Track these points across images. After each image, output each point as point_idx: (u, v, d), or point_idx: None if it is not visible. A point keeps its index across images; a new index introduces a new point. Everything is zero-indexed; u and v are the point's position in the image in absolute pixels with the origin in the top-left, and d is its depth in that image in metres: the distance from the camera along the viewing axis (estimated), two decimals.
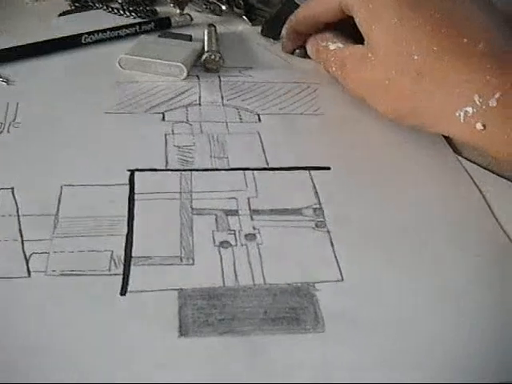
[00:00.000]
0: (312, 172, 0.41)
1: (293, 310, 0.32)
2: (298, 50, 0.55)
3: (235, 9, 0.63)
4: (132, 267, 0.33)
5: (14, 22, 0.62)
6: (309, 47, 0.53)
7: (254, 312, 0.32)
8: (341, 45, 0.48)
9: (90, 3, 0.64)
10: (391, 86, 0.42)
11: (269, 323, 0.31)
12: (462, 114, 0.38)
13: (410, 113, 0.42)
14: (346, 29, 0.49)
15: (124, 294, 0.32)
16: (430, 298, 0.33)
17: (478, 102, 0.37)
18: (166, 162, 0.41)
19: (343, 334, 0.31)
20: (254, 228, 0.36)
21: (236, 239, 0.36)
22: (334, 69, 0.48)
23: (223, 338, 0.30)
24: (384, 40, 0.41)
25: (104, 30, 0.56)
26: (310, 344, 0.30)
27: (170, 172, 0.40)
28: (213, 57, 0.52)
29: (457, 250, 0.36)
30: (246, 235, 0.36)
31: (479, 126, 0.37)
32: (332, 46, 0.48)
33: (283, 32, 0.55)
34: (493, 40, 0.39)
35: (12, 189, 0.38)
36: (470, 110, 0.38)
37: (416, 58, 0.40)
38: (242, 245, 0.35)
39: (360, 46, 0.45)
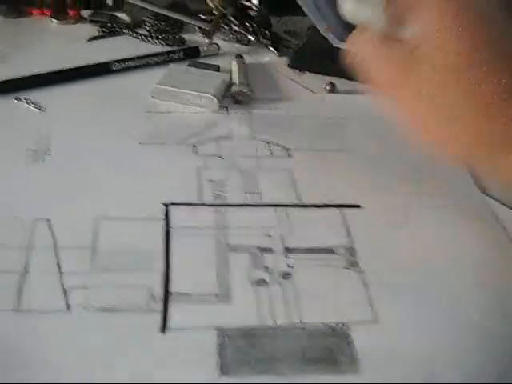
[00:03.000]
0: (343, 210, 0.41)
1: (329, 350, 0.32)
2: (327, 86, 0.55)
3: (262, 39, 0.63)
4: (170, 304, 0.33)
5: (43, 44, 0.62)
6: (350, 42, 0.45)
7: (291, 352, 0.32)
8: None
9: (118, 29, 0.64)
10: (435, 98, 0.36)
11: (306, 363, 0.31)
12: None
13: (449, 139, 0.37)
14: None
15: (163, 332, 0.32)
16: (464, 341, 0.33)
17: None
18: (200, 196, 0.41)
19: (378, 375, 0.31)
20: (288, 266, 0.37)
21: (271, 277, 0.36)
22: (377, 72, 0.41)
23: (262, 378, 0.30)
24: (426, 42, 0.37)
25: (133, 58, 0.57)
26: None
27: (204, 207, 0.40)
28: (243, 89, 0.52)
29: (484, 290, 0.36)
30: (281, 274, 0.36)
31: None
32: (369, 42, 0.42)
33: None
34: None
35: (49, 220, 0.38)
36: None
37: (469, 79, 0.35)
38: (278, 283, 0.35)
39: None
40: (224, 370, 0.30)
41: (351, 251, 0.38)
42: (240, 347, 0.32)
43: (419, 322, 0.34)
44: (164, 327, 0.32)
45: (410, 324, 0.34)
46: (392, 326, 0.34)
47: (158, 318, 0.33)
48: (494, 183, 0.44)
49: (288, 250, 0.38)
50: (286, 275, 0.36)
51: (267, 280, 0.36)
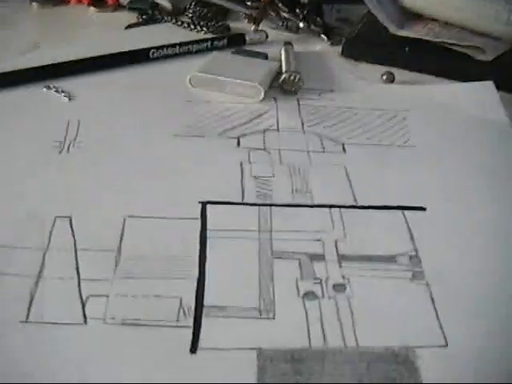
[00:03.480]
0: (406, 212, 0.36)
1: (391, 379, 0.27)
2: (384, 77, 0.49)
3: (313, 27, 0.59)
4: (203, 319, 0.28)
5: (79, 33, 0.59)
6: None
7: (345, 381, 0.27)
8: None
9: (159, 16, 0.60)
10: None
11: None
12: None
13: None
14: None
15: (194, 352, 0.27)
16: None
17: None
18: (242, 195, 0.37)
19: None
20: (342, 277, 0.32)
21: (323, 290, 0.31)
22: None
23: None
24: None
25: (173, 45, 0.52)
26: None
27: (246, 206, 0.36)
28: (292, 78, 0.47)
29: None
30: (334, 285, 0.31)
31: None
32: None
33: None
34: None
35: (70, 218, 0.34)
36: None
37: None
38: (330, 297, 0.31)
39: None
40: None
41: (415, 260, 0.33)
42: (284, 373, 0.27)
43: (497, 345, 0.29)
44: (195, 347, 0.28)
45: (487, 349, 0.29)
46: (464, 352, 0.28)
47: (189, 335, 0.28)
48: None
49: (342, 258, 0.33)
50: (339, 287, 0.31)
51: (318, 293, 0.31)
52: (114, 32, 0.59)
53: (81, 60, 0.50)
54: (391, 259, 0.33)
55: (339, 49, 0.57)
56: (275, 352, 0.28)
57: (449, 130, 0.44)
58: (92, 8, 0.64)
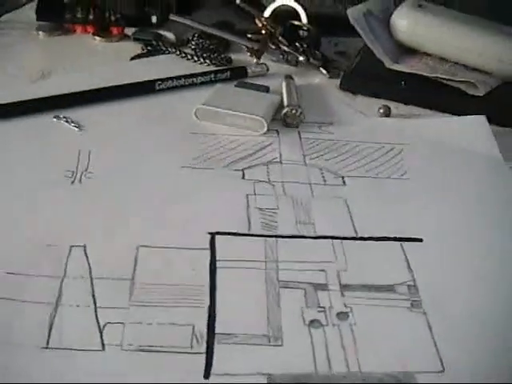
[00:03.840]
0: (404, 244, 0.38)
1: None
2: (381, 110, 0.51)
3: (312, 60, 0.60)
4: (215, 345, 0.30)
5: (85, 62, 0.61)
6: None
7: None
8: None
9: (163, 47, 0.62)
10: None
11: None
12: None
13: None
14: None
15: (207, 377, 0.29)
16: None
17: None
18: (249, 226, 0.38)
19: None
20: (345, 306, 0.33)
21: (327, 318, 0.32)
22: None
23: None
24: None
25: (178, 77, 0.54)
26: None
27: (253, 237, 0.37)
28: (294, 111, 0.49)
29: None
30: (337, 314, 0.33)
31: None
32: None
33: None
34: None
35: (84, 246, 0.35)
36: None
37: None
38: (334, 325, 0.32)
39: None
40: None
41: (413, 290, 0.35)
42: None
43: (493, 370, 0.31)
44: (208, 372, 0.29)
45: (483, 373, 0.30)
46: (460, 376, 0.30)
47: (202, 361, 0.30)
48: None
49: (345, 288, 0.34)
50: (342, 315, 0.33)
51: (322, 321, 0.32)
52: (119, 62, 0.61)
53: (90, 90, 0.52)
54: (390, 289, 0.35)
55: (337, 82, 0.58)
56: (283, 377, 0.29)
57: (443, 162, 0.46)
58: (97, 38, 0.66)
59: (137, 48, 0.64)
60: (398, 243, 0.38)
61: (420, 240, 0.38)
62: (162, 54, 0.62)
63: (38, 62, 0.60)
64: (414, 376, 0.30)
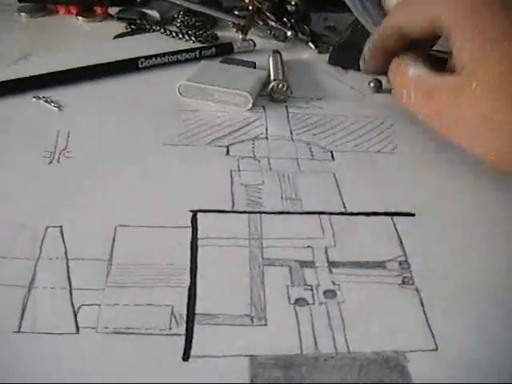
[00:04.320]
0: (395, 218, 0.36)
1: None
2: (372, 84, 0.50)
3: (300, 35, 0.59)
4: (195, 326, 0.29)
5: (68, 43, 0.59)
6: (390, 71, 0.45)
7: None
8: (422, 71, 0.41)
9: (147, 26, 0.60)
10: (498, 125, 0.35)
11: None
12: None
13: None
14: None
15: (187, 359, 0.27)
16: None
17: None
18: (233, 203, 0.37)
19: None
20: (333, 283, 0.32)
21: (313, 296, 0.31)
22: (412, 99, 0.41)
23: None
24: (493, 71, 0.36)
25: (162, 55, 0.52)
26: None
27: (237, 214, 0.36)
28: (280, 86, 0.47)
29: None
30: (324, 292, 0.31)
31: None
32: (412, 71, 0.41)
33: (366, 48, 0.47)
34: None
35: (61, 227, 0.34)
36: None
37: None
38: (321, 303, 0.31)
39: (454, 74, 0.39)
40: None
41: (405, 266, 0.33)
42: (276, 379, 0.27)
43: (485, 349, 0.29)
44: (187, 354, 0.28)
45: (475, 350, 0.29)
46: (454, 355, 0.29)
47: (181, 343, 0.28)
48: None
49: (333, 265, 0.33)
50: (330, 293, 0.31)
51: (309, 300, 0.31)
52: (102, 42, 0.59)
53: (70, 70, 0.50)
54: (381, 265, 0.33)
55: (326, 57, 0.57)
56: (267, 359, 0.28)
57: (436, 136, 0.44)
58: (81, 18, 0.64)
59: (121, 27, 0.62)
60: (389, 218, 0.37)
61: (412, 214, 0.37)
62: (147, 32, 0.61)
63: (19, 44, 0.59)
64: (406, 355, 0.28)
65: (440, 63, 0.41)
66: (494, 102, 0.36)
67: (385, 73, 0.46)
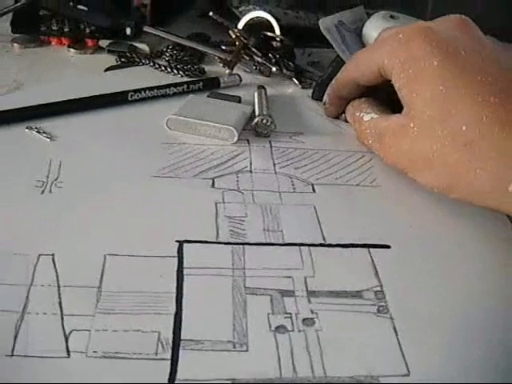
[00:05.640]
0: (371, 250, 0.38)
1: None
2: (343, 115, 0.52)
3: (285, 71, 0.61)
4: (181, 352, 0.30)
5: (60, 74, 0.61)
6: (348, 116, 0.50)
7: None
8: (375, 115, 0.45)
9: (137, 59, 0.62)
10: (436, 159, 0.39)
11: None
12: None
13: (457, 186, 0.39)
14: (384, 95, 0.47)
15: (172, 383, 0.29)
16: None
17: None
18: (217, 234, 0.38)
19: None
20: (311, 311, 0.33)
21: (293, 324, 0.33)
22: (370, 141, 0.45)
23: None
24: (428, 109, 0.39)
25: (151, 88, 0.54)
26: None
27: (221, 245, 0.37)
28: (264, 121, 0.49)
29: None
30: (303, 320, 0.33)
31: None
32: (366, 117, 0.46)
33: (325, 97, 0.53)
34: None
35: (53, 255, 0.35)
36: None
37: (464, 128, 0.37)
38: (300, 330, 0.32)
39: (398, 115, 0.42)
40: None
41: (380, 295, 0.35)
42: None
43: (456, 373, 0.31)
44: (173, 378, 0.29)
45: (446, 376, 0.31)
46: (426, 379, 0.30)
47: (167, 367, 0.30)
48: None
49: (311, 294, 0.35)
50: (308, 321, 0.33)
51: (288, 327, 0.32)
52: (93, 74, 0.61)
53: (62, 102, 0.52)
54: (357, 294, 0.35)
55: (310, 92, 0.59)
56: (248, 382, 0.29)
57: None
58: (72, 50, 0.66)
59: (111, 60, 0.64)
60: (366, 250, 0.38)
61: (387, 246, 0.39)
62: (136, 65, 0.63)
63: (11, 74, 0.60)
64: (379, 379, 0.30)
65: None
66: (430, 140, 0.39)
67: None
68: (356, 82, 0.47)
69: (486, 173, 0.37)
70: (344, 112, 0.52)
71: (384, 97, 0.47)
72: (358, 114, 0.47)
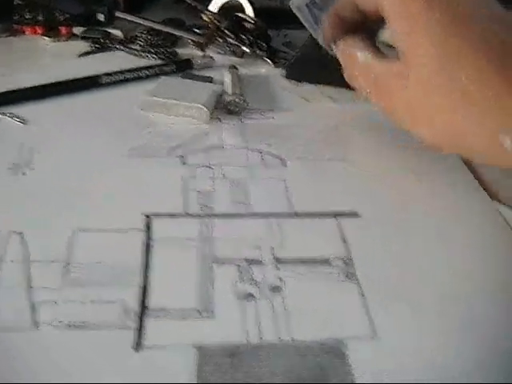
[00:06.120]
0: (340, 219, 0.38)
1: (322, 370, 0.29)
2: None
3: (258, 51, 0.61)
4: (147, 320, 0.31)
5: (34, 62, 0.60)
6: (338, 51, 0.47)
7: (279, 372, 0.29)
8: (369, 54, 0.42)
9: (110, 44, 0.62)
10: (432, 109, 0.37)
11: None
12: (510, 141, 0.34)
13: (453, 139, 0.38)
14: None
15: (137, 350, 0.29)
16: (471, 353, 0.30)
17: None
18: (186, 207, 0.39)
19: None
20: (279, 279, 0.34)
21: (260, 291, 0.33)
22: (362, 83, 0.43)
23: None
24: (427, 58, 0.37)
25: (123, 71, 0.55)
26: None
27: (188, 218, 0.38)
28: (235, 99, 0.50)
29: (495, 304, 0.33)
30: (270, 287, 0.33)
31: None
32: (360, 56, 0.43)
33: (325, 18, 0.48)
34: None
35: (23, 232, 0.36)
36: None
37: (463, 79, 0.36)
38: (267, 298, 0.33)
39: (394, 59, 0.40)
40: None
41: (348, 262, 0.35)
42: (222, 367, 0.29)
43: (421, 335, 0.31)
44: (138, 345, 0.29)
45: (411, 338, 0.31)
46: (391, 341, 0.31)
47: (133, 335, 0.30)
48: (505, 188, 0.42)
49: (279, 262, 0.35)
50: (275, 289, 0.33)
51: (255, 294, 0.33)
52: (67, 60, 0.61)
53: (35, 87, 0.52)
54: (325, 262, 0.35)
55: (283, 71, 0.59)
56: (214, 348, 0.30)
57: (382, 144, 0.47)
58: (46, 38, 0.66)
59: (85, 47, 0.64)
60: (335, 219, 0.39)
61: (356, 215, 0.39)
62: (110, 51, 0.63)
63: None
64: (346, 343, 0.30)
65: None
66: (428, 91, 0.37)
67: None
68: (356, 4, 0.44)
69: (483, 127, 0.36)
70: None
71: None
72: (350, 51, 0.44)
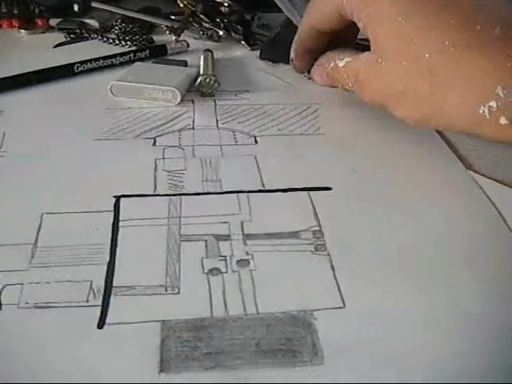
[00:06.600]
0: (311, 193, 0.38)
1: (288, 340, 0.29)
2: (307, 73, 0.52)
3: (233, 34, 0.61)
4: (112, 298, 0.30)
5: (9, 54, 0.60)
6: (317, 75, 0.49)
7: (244, 344, 0.28)
8: (349, 58, 0.44)
9: (86, 34, 0.62)
10: (406, 90, 0.38)
11: (261, 356, 0.28)
12: (486, 109, 0.34)
13: (431, 116, 0.38)
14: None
15: (101, 327, 0.29)
16: (440, 325, 0.30)
17: (501, 94, 0.34)
18: (155, 188, 0.39)
19: (344, 367, 0.28)
20: (246, 253, 0.34)
21: (227, 266, 0.33)
22: (350, 85, 0.44)
23: (209, 374, 0.27)
24: (390, 41, 0.38)
25: (97, 59, 0.54)
26: (307, 378, 0.27)
27: (157, 197, 0.37)
28: (207, 80, 0.49)
29: (471, 271, 0.33)
30: (237, 261, 0.33)
31: (503, 120, 0.34)
32: (341, 63, 0.44)
33: (292, 53, 0.51)
34: (509, 22, 0.35)
35: None
36: (493, 104, 0.34)
37: (427, 56, 0.36)
38: (234, 271, 0.32)
39: (368, 52, 0.41)
40: (164, 366, 0.27)
41: (318, 235, 0.35)
42: (186, 341, 0.29)
43: (392, 308, 0.31)
44: (102, 322, 0.29)
45: (380, 309, 0.31)
46: (360, 312, 0.30)
47: (97, 313, 0.30)
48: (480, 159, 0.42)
49: (247, 237, 0.35)
50: (243, 262, 0.33)
51: (222, 269, 0.32)
52: (43, 52, 0.61)
53: (8, 77, 0.52)
54: (295, 235, 0.35)
55: (258, 53, 0.59)
56: (178, 322, 0.29)
57: (357, 120, 0.46)
58: (23, 31, 0.66)
59: (61, 38, 0.64)
60: (306, 193, 0.38)
61: (329, 189, 0.39)
62: (86, 40, 0.62)
63: None
64: (313, 313, 0.30)
65: None
66: (397, 72, 0.38)
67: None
68: (318, 30, 0.46)
69: (455, 98, 0.36)
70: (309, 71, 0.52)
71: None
72: (332, 64, 0.45)
